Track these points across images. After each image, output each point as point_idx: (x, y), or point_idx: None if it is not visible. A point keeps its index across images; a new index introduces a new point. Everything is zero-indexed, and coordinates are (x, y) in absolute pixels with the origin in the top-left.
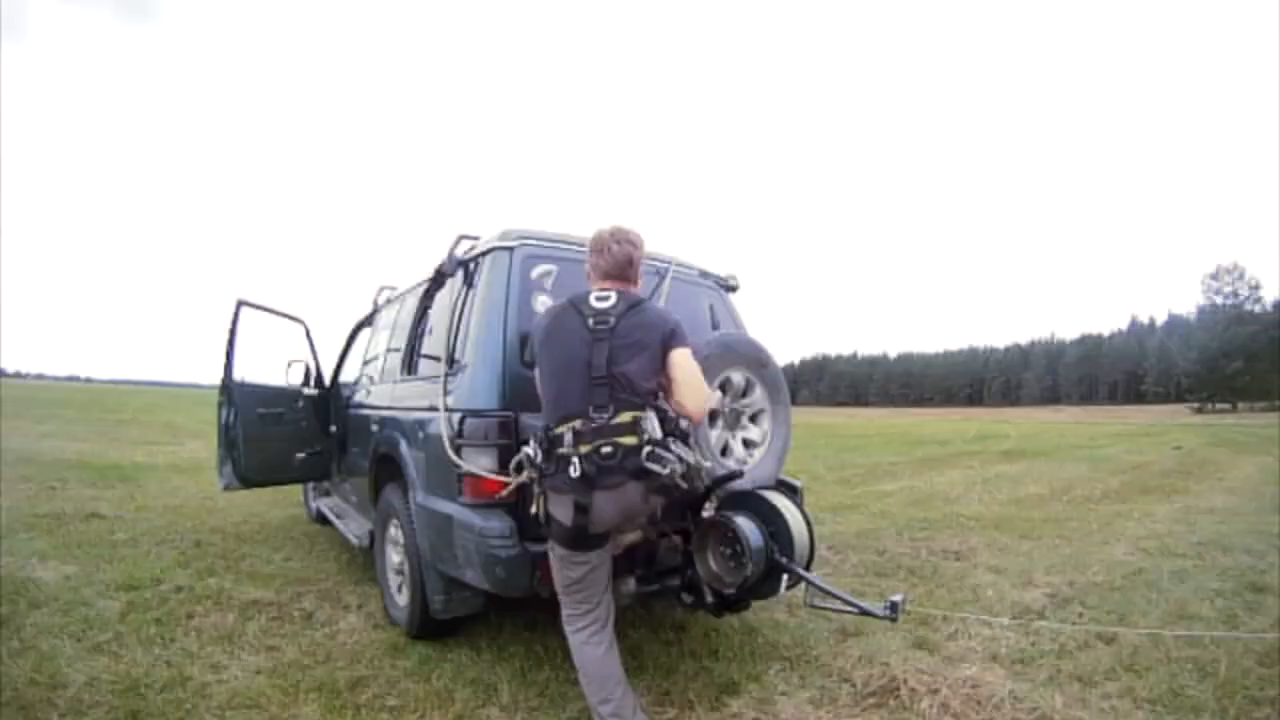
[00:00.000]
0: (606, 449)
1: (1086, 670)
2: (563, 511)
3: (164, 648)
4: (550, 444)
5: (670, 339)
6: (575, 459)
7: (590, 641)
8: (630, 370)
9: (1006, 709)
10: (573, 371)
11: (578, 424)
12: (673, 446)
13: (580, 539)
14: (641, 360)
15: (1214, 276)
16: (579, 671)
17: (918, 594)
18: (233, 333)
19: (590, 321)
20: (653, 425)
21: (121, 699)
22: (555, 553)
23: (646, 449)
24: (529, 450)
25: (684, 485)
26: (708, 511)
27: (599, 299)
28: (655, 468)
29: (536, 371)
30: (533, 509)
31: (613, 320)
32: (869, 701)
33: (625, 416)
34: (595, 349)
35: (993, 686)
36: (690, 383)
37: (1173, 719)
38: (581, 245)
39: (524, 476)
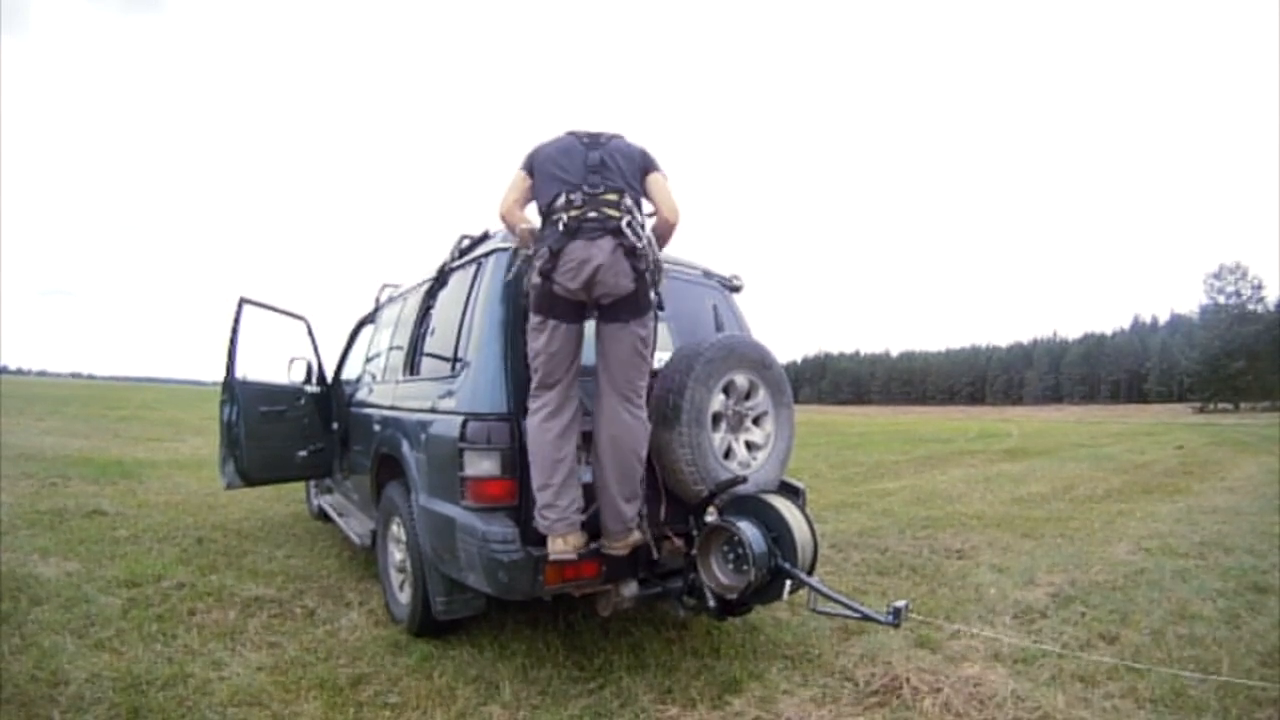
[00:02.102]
0: (593, 214)
1: (1089, 670)
2: (540, 256)
3: (165, 644)
4: (547, 213)
5: (646, 161)
6: (565, 216)
7: (544, 426)
8: (617, 166)
9: (1009, 708)
10: (573, 161)
11: (571, 194)
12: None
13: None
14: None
15: (1217, 276)
16: (528, 454)
17: (920, 593)
18: (235, 330)
19: (584, 139)
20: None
21: (123, 696)
22: (530, 329)
23: (627, 219)
24: (532, 226)
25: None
26: (711, 516)
27: (581, 132)
28: (629, 234)
29: (529, 173)
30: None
31: (602, 141)
32: (871, 700)
33: (611, 195)
34: (590, 153)
35: (995, 685)
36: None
37: (1174, 719)
38: None
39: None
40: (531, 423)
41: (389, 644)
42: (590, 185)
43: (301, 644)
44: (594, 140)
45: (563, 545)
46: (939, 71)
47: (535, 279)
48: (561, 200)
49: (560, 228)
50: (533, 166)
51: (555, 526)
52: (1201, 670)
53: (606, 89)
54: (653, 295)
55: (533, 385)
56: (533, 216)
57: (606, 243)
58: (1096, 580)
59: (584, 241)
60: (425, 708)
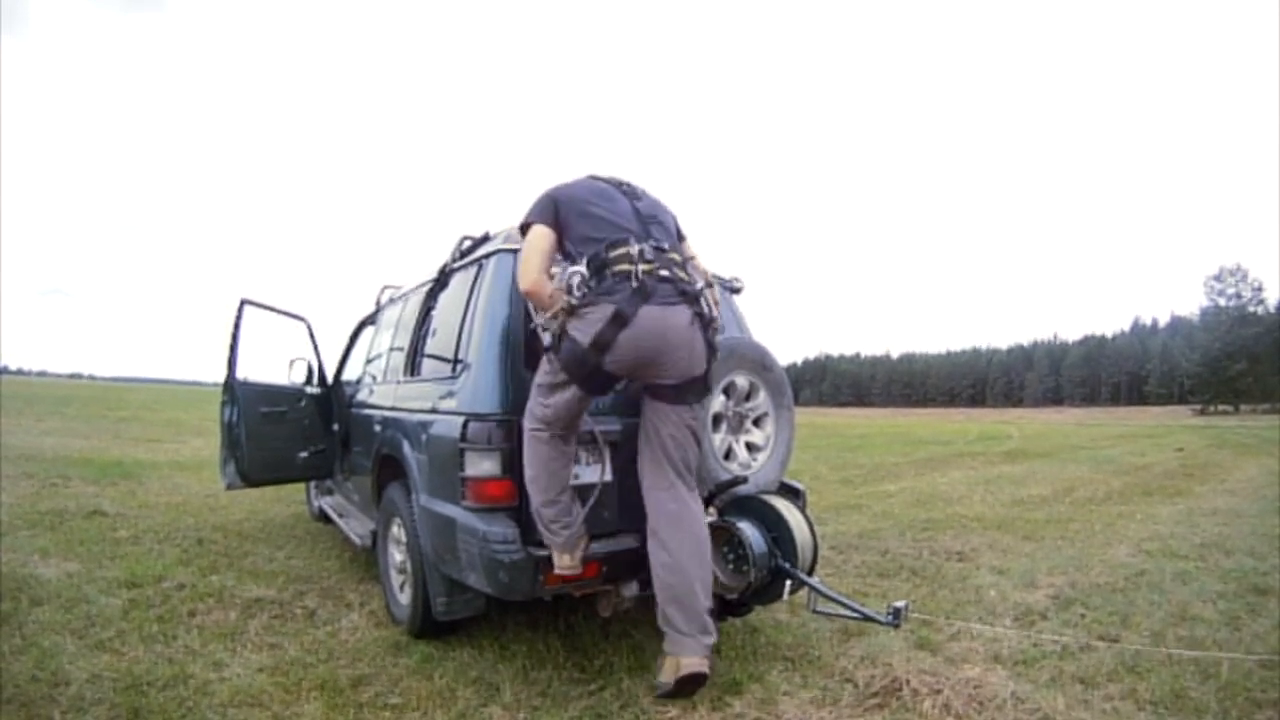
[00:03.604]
0: (664, 272)
1: (1089, 671)
2: (590, 323)
3: (166, 645)
4: (597, 264)
5: (678, 225)
6: (637, 269)
7: (549, 447)
8: (665, 222)
9: (1009, 710)
10: (623, 212)
11: (639, 246)
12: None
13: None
14: (667, 222)
15: (1217, 278)
16: (525, 471)
17: (920, 595)
18: (236, 331)
19: (623, 188)
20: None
21: (123, 696)
22: (542, 381)
23: (700, 284)
24: (580, 270)
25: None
26: (711, 516)
27: (609, 178)
28: (704, 303)
29: (554, 227)
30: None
31: (641, 193)
32: (871, 702)
33: (676, 255)
34: (637, 204)
35: (995, 687)
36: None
37: None
38: None
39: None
40: (537, 443)
41: (390, 645)
42: (655, 239)
43: (302, 645)
44: (631, 189)
45: (570, 561)
46: (939, 72)
47: (579, 343)
48: (632, 249)
49: (632, 284)
50: (557, 212)
51: (564, 542)
52: (1202, 672)
53: (607, 89)
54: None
55: (538, 416)
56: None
57: (683, 313)
58: (1097, 582)
59: (659, 308)
60: (426, 709)
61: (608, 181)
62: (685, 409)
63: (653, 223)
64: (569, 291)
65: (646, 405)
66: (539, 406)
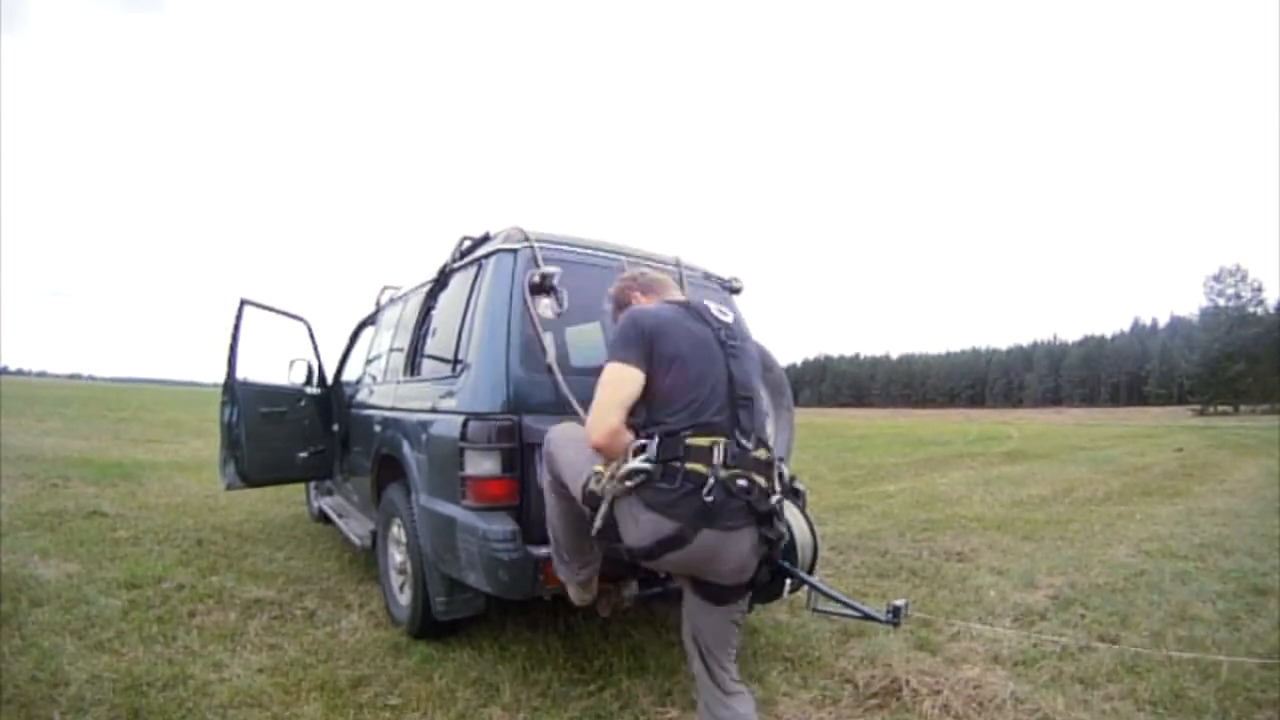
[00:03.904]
0: (742, 482)
1: (1089, 672)
2: (642, 530)
3: (166, 646)
4: (669, 453)
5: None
6: (712, 481)
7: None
8: (755, 394)
9: (1009, 710)
10: (715, 381)
11: (724, 443)
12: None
13: (632, 566)
14: (756, 392)
15: (1216, 278)
16: (551, 518)
17: (920, 595)
18: (236, 332)
19: (721, 333)
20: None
21: (123, 697)
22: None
23: (776, 497)
24: (648, 445)
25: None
26: None
27: (720, 312)
28: (778, 524)
29: (645, 372)
30: (597, 519)
31: (738, 341)
32: (871, 703)
33: (762, 453)
34: (733, 365)
35: (994, 688)
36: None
37: None
38: (587, 247)
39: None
40: (569, 503)
41: (389, 646)
42: (742, 433)
43: (302, 646)
44: (729, 339)
45: (586, 596)
46: (939, 73)
47: (636, 542)
48: (717, 450)
49: (703, 498)
50: (652, 350)
51: (583, 580)
52: (1201, 672)
53: (608, 88)
54: None
55: (577, 479)
56: None
57: (747, 540)
58: (1096, 582)
59: (719, 533)
60: (425, 709)
61: (706, 322)
62: (731, 608)
63: (744, 402)
64: (623, 473)
65: (692, 599)
66: (584, 470)
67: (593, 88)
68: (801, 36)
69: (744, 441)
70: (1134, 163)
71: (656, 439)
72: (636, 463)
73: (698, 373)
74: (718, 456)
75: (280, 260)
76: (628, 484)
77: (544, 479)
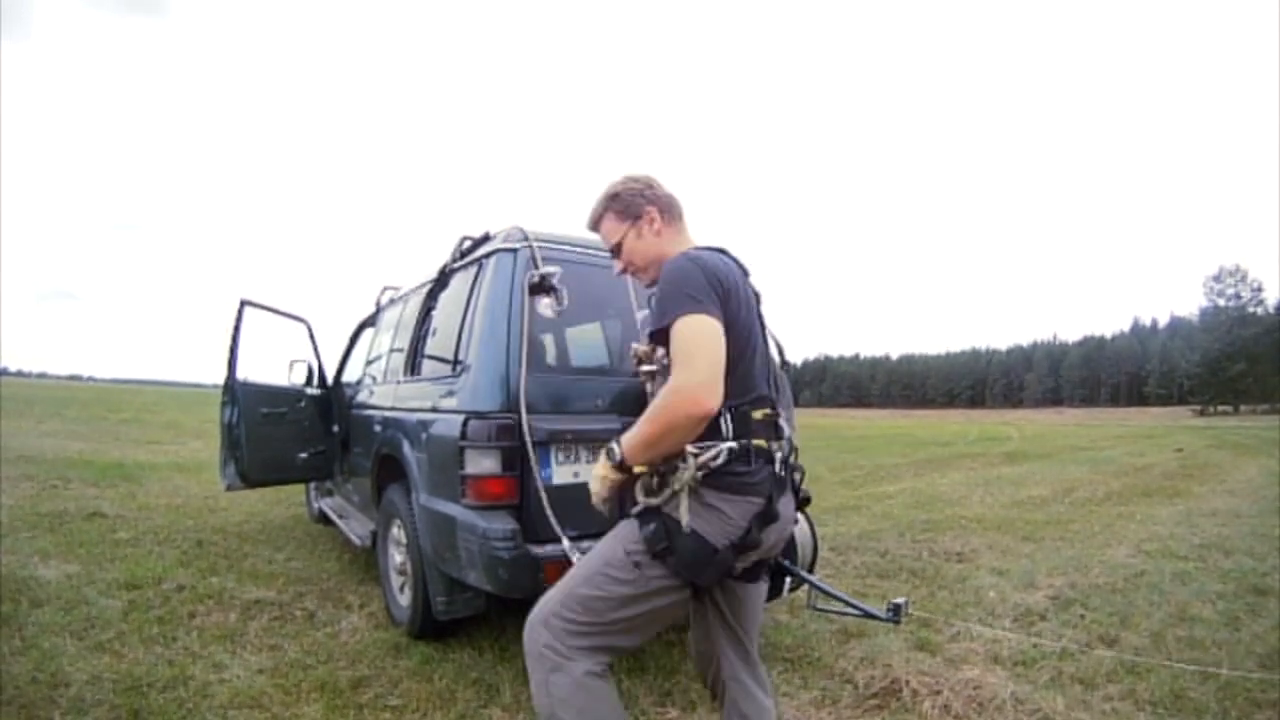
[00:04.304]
0: (788, 449)
1: (1089, 672)
2: (737, 514)
3: (166, 647)
4: (742, 430)
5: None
6: (778, 452)
7: (603, 676)
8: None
9: (1008, 710)
10: (760, 347)
11: (777, 417)
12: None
13: (726, 567)
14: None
15: (1216, 278)
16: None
17: (919, 596)
18: (236, 332)
19: (756, 291)
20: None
21: (123, 698)
22: (638, 581)
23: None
24: (722, 426)
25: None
26: None
27: (744, 269)
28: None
29: (714, 323)
30: (650, 524)
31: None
32: (871, 703)
33: (785, 425)
34: (764, 330)
35: (994, 688)
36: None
37: None
38: (587, 247)
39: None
40: (589, 681)
41: (389, 646)
42: (776, 401)
43: (302, 646)
44: (758, 294)
45: None
46: (938, 73)
47: (711, 544)
48: (778, 417)
49: (775, 468)
50: (724, 306)
51: None
52: (1201, 672)
53: (608, 88)
54: None
55: (596, 631)
56: None
57: (791, 504)
58: (1096, 583)
59: (786, 498)
60: (425, 710)
61: (748, 275)
62: (762, 584)
63: (774, 373)
64: (710, 456)
65: (729, 586)
66: (604, 613)
67: (593, 88)
68: (801, 37)
69: (783, 415)
70: (1134, 163)
71: (728, 414)
72: (725, 444)
73: (752, 337)
74: (779, 420)
75: (280, 261)
76: (702, 473)
77: (556, 638)
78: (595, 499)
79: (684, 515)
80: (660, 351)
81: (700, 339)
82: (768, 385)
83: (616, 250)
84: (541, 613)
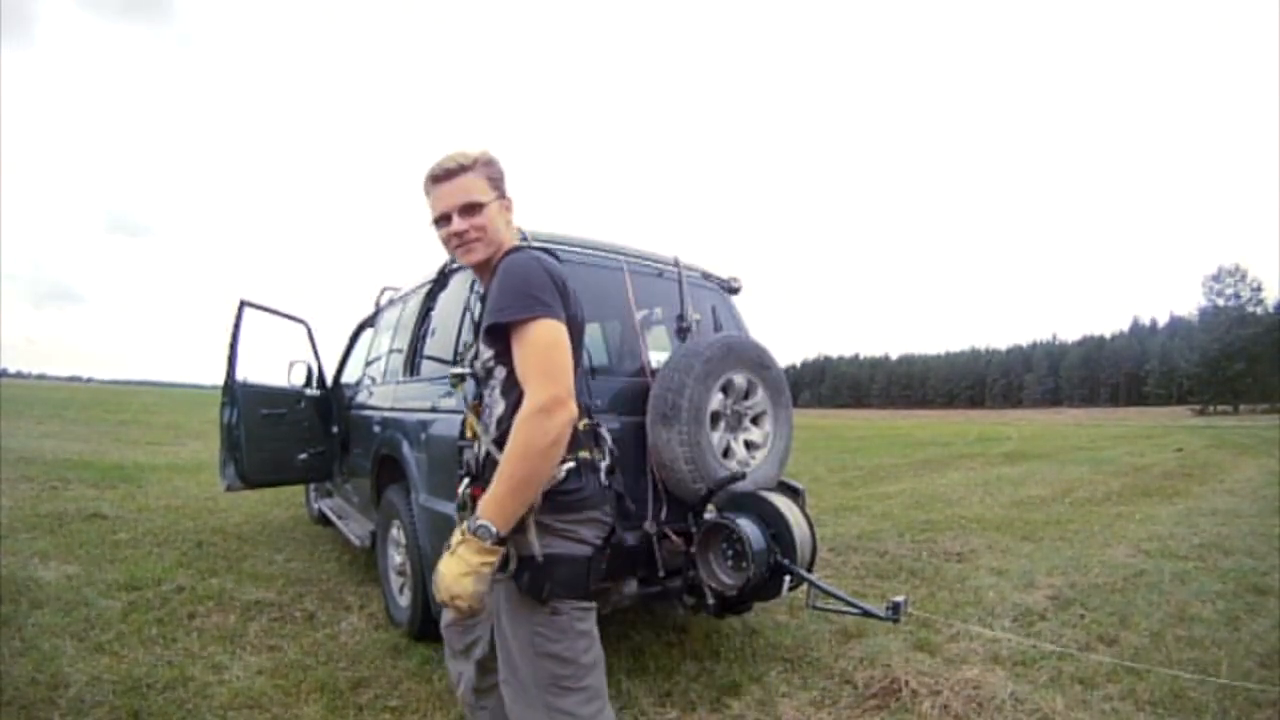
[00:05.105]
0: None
1: (1088, 672)
2: (575, 542)
3: (165, 648)
4: (570, 443)
5: None
6: (603, 462)
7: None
8: None
9: (1008, 710)
10: (579, 355)
11: (589, 420)
12: None
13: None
14: None
15: (1216, 278)
16: None
17: (919, 596)
18: (235, 333)
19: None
20: None
21: (123, 699)
22: (550, 618)
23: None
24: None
25: None
26: (710, 514)
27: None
28: None
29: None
30: (522, 574)
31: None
32: (870, 703)
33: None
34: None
35: (994, 688)
36: None
37: None
38: (587, 247)
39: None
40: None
41: (389, 647)
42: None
43: (302, 647)
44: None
45: None
46: (938, 73)
47: (577, 557)
48: (588, 421)
49: (598, 476)
50: (566, 305)
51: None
52: (1201, 672)
53: (607, 88)
54: None
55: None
56: None
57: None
58: (1096, 583)
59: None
60: (425, 711)
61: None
62: None
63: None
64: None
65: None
66: (581, 669)
67: (593, 88)
68: (801, 37)
69: (602, 425)
70: (1133, 163)
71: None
72: (565, 464)
73: (579, 344)
74: (598, 440)
75: (280, 262)
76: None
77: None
78: (471, 601)
79: (535, 546)
80: (487, 354)
81: (557, 351)
82: (586, 392)
83: (470, 210)
84: None
